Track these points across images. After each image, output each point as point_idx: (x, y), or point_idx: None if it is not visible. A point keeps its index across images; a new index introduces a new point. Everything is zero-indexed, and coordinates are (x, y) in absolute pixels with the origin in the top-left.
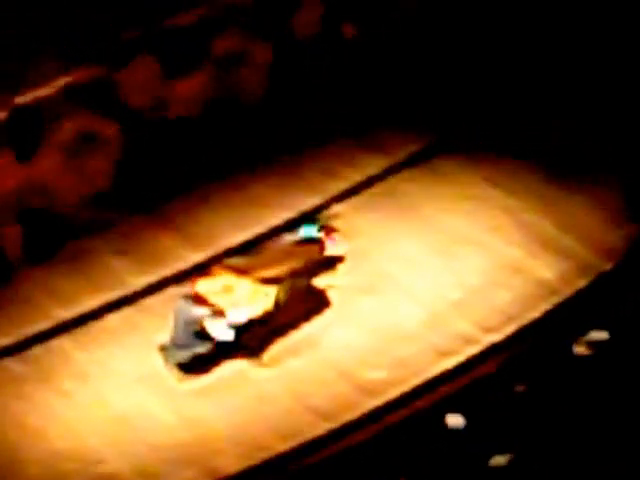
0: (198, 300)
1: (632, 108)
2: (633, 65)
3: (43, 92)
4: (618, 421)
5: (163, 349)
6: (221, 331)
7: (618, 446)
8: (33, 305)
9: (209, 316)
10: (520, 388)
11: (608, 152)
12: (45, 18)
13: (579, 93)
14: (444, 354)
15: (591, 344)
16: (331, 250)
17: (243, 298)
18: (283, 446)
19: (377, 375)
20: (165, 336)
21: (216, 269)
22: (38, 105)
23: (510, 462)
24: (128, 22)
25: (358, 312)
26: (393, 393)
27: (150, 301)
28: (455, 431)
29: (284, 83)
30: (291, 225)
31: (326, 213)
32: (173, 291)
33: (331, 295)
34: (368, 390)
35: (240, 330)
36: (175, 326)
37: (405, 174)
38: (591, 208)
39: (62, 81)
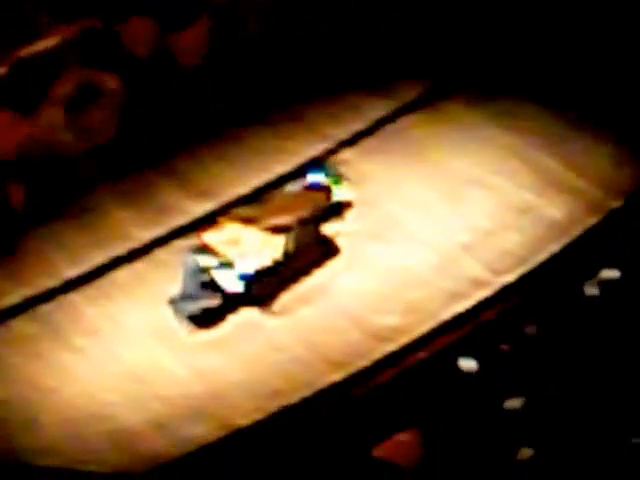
0: (206, 251)
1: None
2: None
3: (42, 46)
4: (631, 359)
5: (173, 302)
6: (231, 282)
7: (632, 383)
8: (41, 262)
9: (218, 267)
10: (532, 329)
11: (615, 91)
12: None
13: (585, 32)
14: (455, 298)
15: (602, 283)
16: (339, 196)
17: (252, 248)
18: (296, 395)
19: (389, 321)
20: (175, 289)
21: (223, 220)
22: (38, 60)
23: (524, 404)
24: None
25: (368, 258)
26: (405, 338)
27: (159, 254)
28: (468, 375)
29: (285, 30)
30: (297, 173)
31: (332, 159)
32: (181, 243)
33: (340, 242)
34: (380, 336)
35: (250, 280)
36: (184, 279)
37: (411, 118)
38: (598, 146)
39: (62, 34)
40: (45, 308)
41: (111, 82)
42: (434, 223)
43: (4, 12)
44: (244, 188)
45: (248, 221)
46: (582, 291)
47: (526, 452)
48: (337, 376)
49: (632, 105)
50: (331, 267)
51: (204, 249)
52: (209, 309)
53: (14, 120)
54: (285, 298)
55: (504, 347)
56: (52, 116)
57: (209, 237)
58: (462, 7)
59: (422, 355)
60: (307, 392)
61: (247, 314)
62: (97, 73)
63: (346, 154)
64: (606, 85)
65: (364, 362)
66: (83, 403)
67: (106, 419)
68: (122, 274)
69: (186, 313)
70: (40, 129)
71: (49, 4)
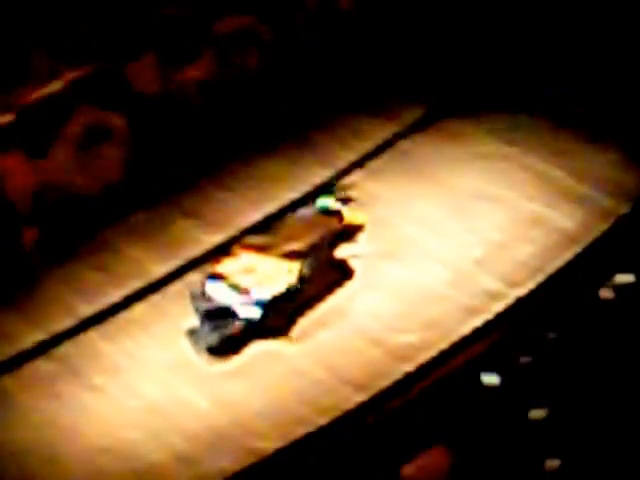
0: (222, 281)
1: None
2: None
3: (49, 90)
4: None
5: (191, 334)
6: (247, 310)
7: None
8: (56, 302)
9: (234, 296)
10: (550, 338)
11: (614, 97)
12: (45, 16)
13: (583, 43)
14: (473, 312)
15: (617, 288)
16: (350, 219)
17: (266, 276)
18: (321, 420)
19: (408, 339)
20: (192, 321)
21: (236, 249)
22: (46, 103)
23: (549, 413)
24: (129, 14)
25: (383, 278)
26: (425, 356)
27: (173, 288)
28: (491, 388)
29: (286, 58)
30: (307, 198)
31: (341, 183)
32: (195, 275)
33: (354, 264)
34: (400, 355)
35: (266, 308)
36: (201, 310)
37: (416, 138)
38: (602, 153)
39: (68, 77)
40: (63, 348)
41: (118, 121)
42: (446, 240)
43: (10, 58)
44: (255, 217)
45: (262, 249)
46: (597, 296)
47: (553, 461)
48: (360, 398)
49: (633, 110)
50: (347, 289)
51: (219, 279)
52: (227, 339)
53: (26, 163)
54: (303, 323)
55: (524, 358)
56: (63, 158)
57: (224, 267)
58: (459, 27)
59: (443, 371)
60: (331, 416)
61: (265, 342)
62: (104, 113)
63: (354, 177)
64: (605, 92)
65: (386, 382)
66: (105, 441)
67: (129, 456)
68: (138, 310)
69: (204, 344)
70: (52, 171)
71: (54, 49)
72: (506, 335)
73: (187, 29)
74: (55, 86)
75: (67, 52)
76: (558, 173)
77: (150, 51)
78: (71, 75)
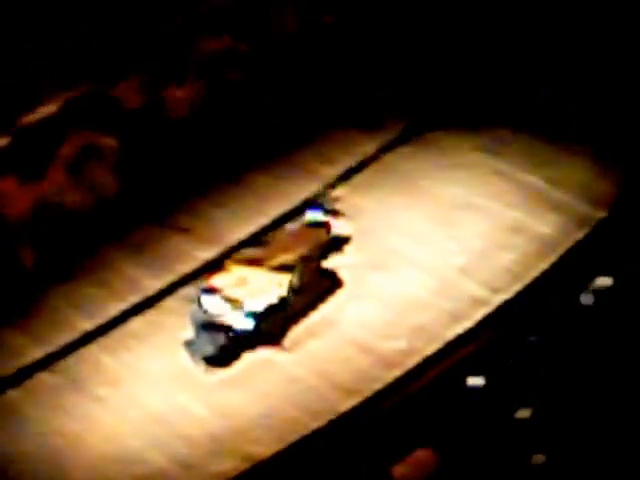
0: (216, 294)
1: (611, 64)
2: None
3: (43, 112)
4: (631, 362)
5: (188, 345)
6: (241, 322)
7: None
8: (58, 318)
9: (228, 308)
10: (533, 341)
11: (588, 108)
12: (37, 40)
13: (559, 58)
14: (457, 318)
15: (596, 291)
16: (337, 231)
17: (258, 288)
18: (314, 424)
19: (396, 346)
20: (188, 333)
21: (229, 263)
22: (40, 126)
23: (533, 413)
24: (118, 37)
25: (370, 288)
26: (413, 361)
27: (169, 302)
28: (477, 391)
29: (270, 75)
30: (295, 212)
31: (328, 197)
32: (190, 289)
33: (342, 274)
34: (389, 361)
35: (259, 319)
36: (197, 322)
37: (399, 151)
38: (578, 162)
39: (60, 99)
40: (65, 362)
41: (110, 141)
42: (430, 249)
43: (4, 82)
44: (246, 231)
45: (253, 262)
46: (578, 300)
47: (539, 458)
48: (351, 402)
49: (605, 119)
50: (336, 299)
51: (213, 292)
52: (223, 349)
53: (21, 186)
54: (294, 333)
55: (509, 361)
56: (57, 178)
57: (217, 281)
58: (440, 43)
59: (431, 376)
60: (323, 420)
61: (259, 351)
62: (96, 134)
63: (340, 191)
64: (580, 104)
65: (376, 387)
66: (109, 449)
67: (133, 463)
68: (136, 323)
69: (201, 355)
70: (47, 191)
71: (47, 72)
72: (490, 339)
73: (173, 50)
74: (48, 109)
75: (60, 75)
76: (537, 182)
77: (138, 72)
78: (64, 97)
